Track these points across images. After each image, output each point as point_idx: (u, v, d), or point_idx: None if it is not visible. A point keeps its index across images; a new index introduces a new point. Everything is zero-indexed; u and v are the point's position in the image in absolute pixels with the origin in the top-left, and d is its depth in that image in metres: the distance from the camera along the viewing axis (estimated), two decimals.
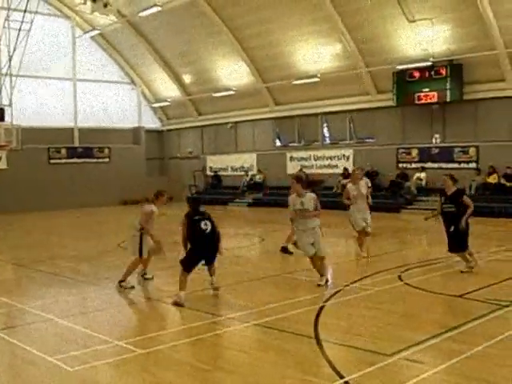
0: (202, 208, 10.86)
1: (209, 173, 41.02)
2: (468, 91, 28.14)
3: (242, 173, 38.28)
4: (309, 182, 20.51)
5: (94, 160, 39.01)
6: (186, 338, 7.91)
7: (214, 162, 40.71)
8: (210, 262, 10.65)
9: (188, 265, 10.28)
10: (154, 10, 30.91)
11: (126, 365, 7.12)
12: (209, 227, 10.31)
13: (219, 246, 10.53)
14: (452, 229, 12.13)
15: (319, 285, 11.19)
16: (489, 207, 24.84)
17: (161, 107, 43.30)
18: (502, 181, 27.22)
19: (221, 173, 40.25)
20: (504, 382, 6.22)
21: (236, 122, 39.07)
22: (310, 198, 11.44)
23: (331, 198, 32.33)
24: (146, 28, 37.35)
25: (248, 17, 32.48)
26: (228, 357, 7.22)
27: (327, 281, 11.39)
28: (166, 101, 41.53)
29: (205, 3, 32.90)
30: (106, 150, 39.65)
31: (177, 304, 9.87)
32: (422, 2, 27.12)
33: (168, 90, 41.01)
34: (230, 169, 39.82)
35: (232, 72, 36.50)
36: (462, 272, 12.23)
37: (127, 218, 31.05)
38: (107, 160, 39.59)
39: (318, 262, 11.49)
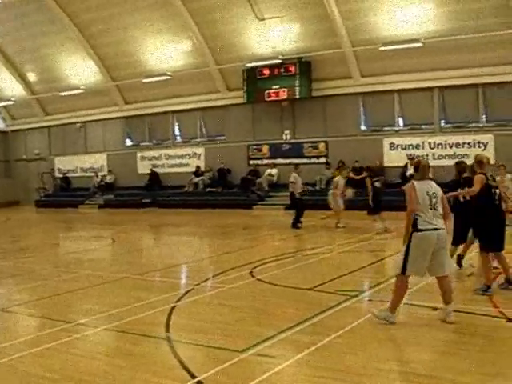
0: None
1: (57, 174, 39.81)
2: (316, 88, 29.07)
3: (92, 174, 37.44)
4: None
5: None
6: (33, 348, 7.50)
7: (63, 163, 39.59)
8: None
9: None
10: None
11: None
12: None
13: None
14: None
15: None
16: None
17: (4, 107, 41.46)
18: (351, 174, 28.19)
19: (70, 174, 39.19)
20: (350, 369, 6.39)
21: (85, 122, 38.21)
22: None
23: (183, 196, 32.42)
24: None
25: (95, 13, 31.81)
26: (78, 365, 6.92)
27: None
28: (9, 100, 39.77)
29: None
30: None
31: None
32: (271, 1, 27.70)
33: (11, 88, 39.31)
34: (79, 170, 38.87)
35: (80, 70, 35.65)
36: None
37: None
38: None
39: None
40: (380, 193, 19.54)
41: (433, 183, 8.11)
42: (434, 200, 7.94)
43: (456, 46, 25.55)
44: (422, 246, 7.86)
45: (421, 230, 7.86)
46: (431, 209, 7.91)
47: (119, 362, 6.98)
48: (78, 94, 36.07)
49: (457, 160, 11.70)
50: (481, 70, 25.77)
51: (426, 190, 7.97)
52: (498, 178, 11.67)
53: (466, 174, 11.15)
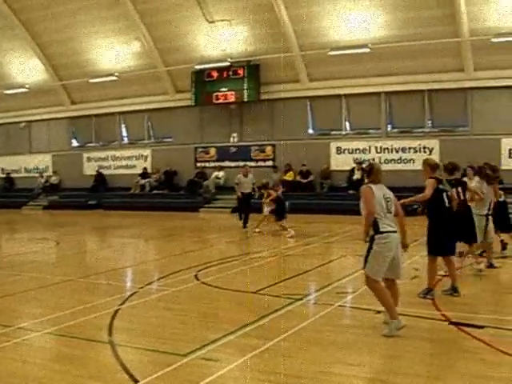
0: None
1: (0, 175, 39.02)
2: (265, 91, 29.18)
3: (37, 174, 36.82)
4: None
5: None
6: None
7: (6, 163, 38.77)
8: None
9: None
10: None
11: None
12: None
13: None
14: None
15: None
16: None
17: None
18: (298, 178, 28.43)
19: (13, 174, 38.47)
20: (295, 372, 6.37)
21: (30, 121, 37.50)
22: None
23: (130, 198, 32.11)
24: None
25: (43, 11, 31.30)
26: (18, 371, 6.73)
27: None
28: None
29: None
30: None
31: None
32: (221, 4, 27.72)
33: None
34: (23, 170, 38.19)
35: (25, 68, 35.00)
36: None
37: None
38: None
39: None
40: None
41: (385, 187, 8.17)
42: (388, 204, 7.99)
43: (403, 53, 25.95)
44: (384, 248, 7.82)
45: (383, 232, 7.85)
46: (387, 212, 7.95)
47: (60, 367, 6.83)
48: (23, 93, 35.45)
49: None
50: (427, 76, 26.23)
51: (382, 193, 8.01)
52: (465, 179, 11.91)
53: (456, 175, 11.26)
